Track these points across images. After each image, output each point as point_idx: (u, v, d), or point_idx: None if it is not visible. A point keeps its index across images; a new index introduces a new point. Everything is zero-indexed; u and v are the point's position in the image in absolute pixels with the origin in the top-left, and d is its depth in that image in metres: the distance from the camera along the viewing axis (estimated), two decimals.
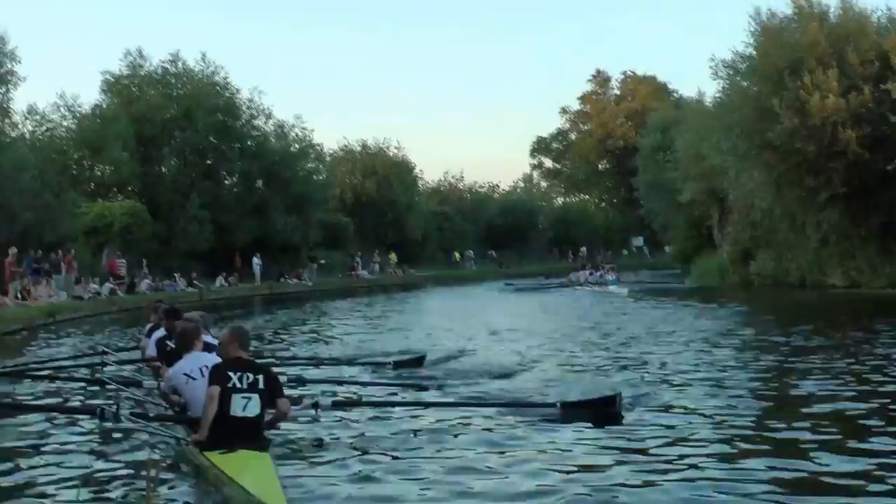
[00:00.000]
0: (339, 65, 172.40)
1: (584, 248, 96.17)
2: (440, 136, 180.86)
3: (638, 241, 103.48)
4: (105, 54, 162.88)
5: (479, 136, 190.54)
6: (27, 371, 16.26)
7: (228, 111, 63.90)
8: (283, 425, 10.13)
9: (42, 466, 9.44)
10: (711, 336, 21.92)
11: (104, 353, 17.81)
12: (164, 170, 61.07)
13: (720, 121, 43.64)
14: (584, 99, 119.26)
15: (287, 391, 10.51)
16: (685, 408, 11.84)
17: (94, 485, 8.61)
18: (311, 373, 16.27)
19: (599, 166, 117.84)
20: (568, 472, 8.67)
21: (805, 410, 11.65)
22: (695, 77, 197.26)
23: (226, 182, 65.32)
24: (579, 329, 25.83)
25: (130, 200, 55.79)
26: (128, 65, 62.59)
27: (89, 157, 57.11)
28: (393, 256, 74.73)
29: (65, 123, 57.81)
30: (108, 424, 10.05)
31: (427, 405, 12.43)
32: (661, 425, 10.67)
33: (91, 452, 10.10)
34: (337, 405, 11.58)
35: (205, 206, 58.39)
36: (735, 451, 9.41)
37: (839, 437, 10.08)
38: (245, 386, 8.76)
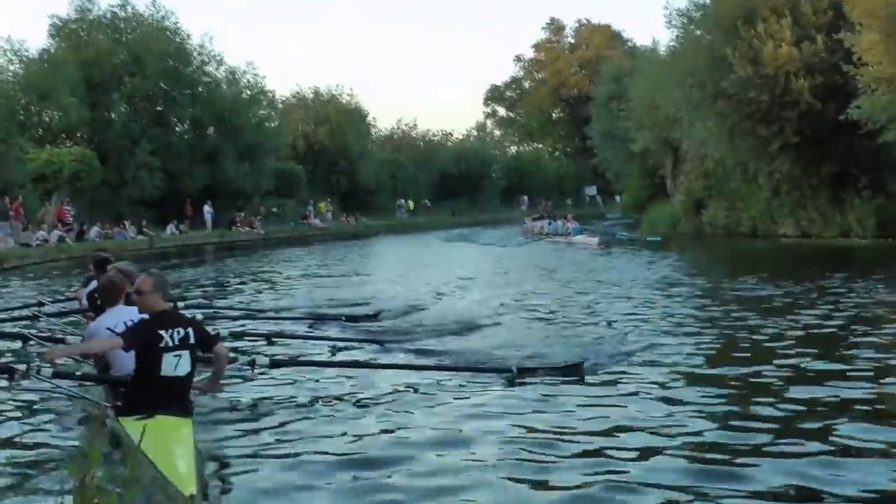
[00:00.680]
0: (290, 12, 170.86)
1: (525, 198, 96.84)
2: (393, 84, 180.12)
3: (591, 190, 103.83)
4: None
5: (432, 84, 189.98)
6: None
7: (179, 57, 62.84)
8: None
9: None
10: (689, 286, 21.83)
11: (40, 304, 16.62)
12: (113, 116, 59.99)
13: (674, 70, 43.64)
14: (538, 47, 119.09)
15: None
16: (663, 366, 11.33)
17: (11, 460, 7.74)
18: (252, 327, 15.45)
19: (553, 115, 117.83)
20: (522, 437, 8.11)
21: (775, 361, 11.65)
22: (649, 26, 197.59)
23: (176, 129, 64.42)
24: (544, 282, 25.29)
25: (79, 147, 55.01)
26: (76, 9, 61.49)
27: (37, 102, 56.04)
28: (322, 206, 72.51)
29: (11, 68, 56.63)
30: (27, 383, 9.02)
31: (375, 367, 11.42)
32: (627, 392, 9.97)
33: (7, 419, 9.29)
34: (276, 364, 10.72)
35: (155, 153, 57.59)
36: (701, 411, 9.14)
37: (798, 383, 10.21)
38: (176, 343, 7.93)
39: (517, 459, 7.43)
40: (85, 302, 13.17)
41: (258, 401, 9.90)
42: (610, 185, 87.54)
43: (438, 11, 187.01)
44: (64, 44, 60.09)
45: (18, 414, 9.50)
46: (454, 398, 9.90)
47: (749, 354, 12.23)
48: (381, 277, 28.41)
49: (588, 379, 10.56)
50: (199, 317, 14.24)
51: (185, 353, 7.96)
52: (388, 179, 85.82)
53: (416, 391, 10.25)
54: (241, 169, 63.69)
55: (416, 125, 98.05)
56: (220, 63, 66.41)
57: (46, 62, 56.94)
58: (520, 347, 12.92)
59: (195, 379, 8.34)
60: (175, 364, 7.87)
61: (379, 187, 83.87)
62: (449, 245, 48.98)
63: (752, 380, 10.51)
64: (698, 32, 42.09)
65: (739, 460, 7.30)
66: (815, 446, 7.68)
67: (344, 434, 8.39)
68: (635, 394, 9.85)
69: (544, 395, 9.80)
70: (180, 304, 14.95)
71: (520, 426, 8.48)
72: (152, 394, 7.69)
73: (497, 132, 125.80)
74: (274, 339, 13.91)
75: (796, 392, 9.72)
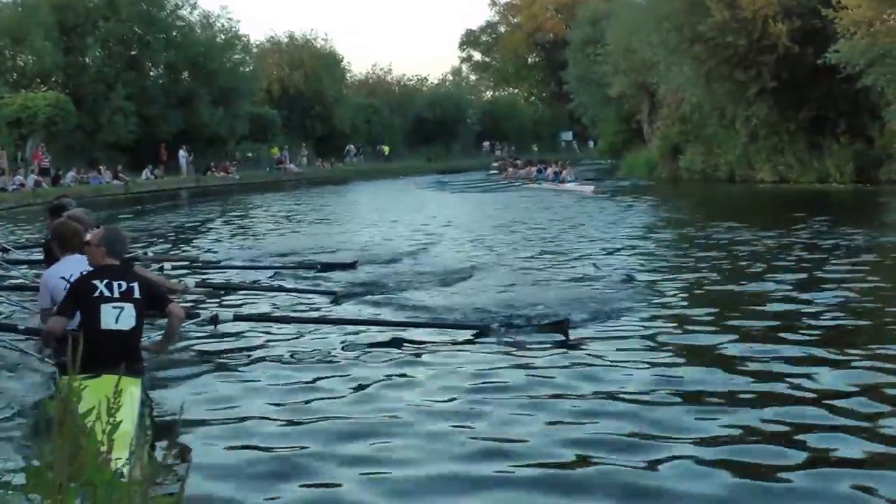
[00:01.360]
0: None
1: (486, 143, 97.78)
2: (368, 29, 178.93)
3: (567, 135, 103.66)
4: None
5: (407, 28, 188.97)
6: None
7: (152, 1, 62.34)
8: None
9: None
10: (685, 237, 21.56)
11: (4, 250, 15.73)
12: (87, 60, 59.45)
13: (651, 14, 43.55)
14: None
15: (183, 304, 9.67)
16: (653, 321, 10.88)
17: None
18: (218, 278, 14.78)
19: (529, 60, 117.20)
20: (500, 398, 7.65)
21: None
22: None
23: (151, 73, 64.10)
24: (528, 229, 24.39)
25: (54, 91, 54.53)
26: None
27: (11, 46, 55.59)
28: (275, 150, 70.06)
29: None
30: None
31: (348, 323, 10.55)
32: (615, 348, 9.45)
33: None
34: (241, 319, 10.15)
35: (130, 98, 57.29)
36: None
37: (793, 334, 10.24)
38: (116, 294, 7.33)
39: (496, 423, 7.01)
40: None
41: (218, 358, 9.30)
42: (586, 131, 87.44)
43: None
44: None
45: None
46: (429, 356, 9.30)
47: (737, 300, 12.33)
48: (356, 226, 27.45)
49: (573, 335, 9.90)
50: (168, 267, 14.16)
51: (129, 307, 7.33)
52: (363, 124, 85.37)
53: (390, 347, 9.61)
54: (215, 114, 63.44)
55: (391, 70, 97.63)
56: (193, 7, 66.17)
57: (20, 6, 56.45)
58: (502, 302, 12.05)
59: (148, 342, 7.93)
60: (116, 316, 7.26)
61: (354, 132, 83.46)
62: (426, 191, 48.26)
63: (741, 327, 10.49)
64: None
65: (728, 405, 7.36)
66: (802, 386, 7.79)
67: (315, 395, 7.87)
68: (622, 351, 9.39)
69: (525, 353, 9.20)
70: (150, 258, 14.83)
71: (498, 385, 8.09)
72: (94, 349, 6.39)
73: (472, 77, 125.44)
74: (240, 292, 13.26)
75: (786, 337, 9.80)
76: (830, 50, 33.87)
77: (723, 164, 44.10)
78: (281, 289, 13.59)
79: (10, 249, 16.12)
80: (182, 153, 58.29)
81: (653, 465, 6.02)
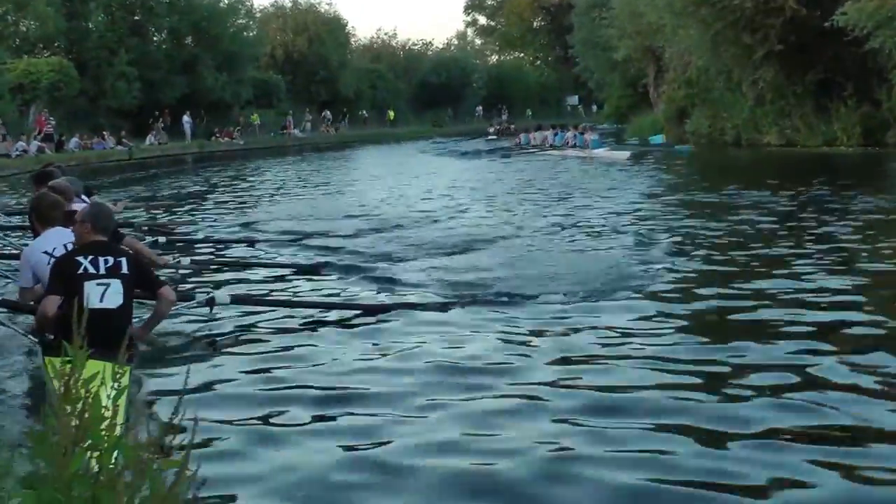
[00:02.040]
0: None
1: (479, 108, 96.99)
2: None
3: (573, 100, 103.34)
4: None
5: None
6: None
7: None
8: (169, 326, 8.48)
9: None
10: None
11: None
12: (90, 25, 59.22)
13: None
14: None
15: (181, 286, 9.28)
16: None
17: None
18: (215, 255, 14.17)
19: (534, 24, 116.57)
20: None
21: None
22: None
23: (154, 38, 63.87)
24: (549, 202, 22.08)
25: (57, 57, 54.28)
26: None
27: (13, 11, 55.25)
28: (255, 117, 67.88)
29: None
30: None
31: (355, 308, 9.94)
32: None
33: None
34: (239, 301, 9.57)
35: (133, 63, 57.03)
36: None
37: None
38: (102, 271, 6.93)
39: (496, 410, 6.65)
40: None
41: (214, 343, 8.69)
42: (592, 95, 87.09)
43: None
44: None
45: None
46: (436, 338, 8.73)
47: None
48: (361, 199, 24.25)
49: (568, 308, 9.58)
50: (163, 240, 13.75)
51: (115, 283, 6.93)
52: (367, 89, 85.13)
53: (400, 328, 9.13)
54: (219, 79, 63.23)
55: (395, 34, 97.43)
56: None
57: None
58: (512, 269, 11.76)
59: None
60: (101, 294, 6.83)
61: (359, 97, 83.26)
62: (434, 158, 46.32)
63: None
64: None
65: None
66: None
67: (317, 387, 7.29)
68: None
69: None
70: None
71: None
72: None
73: (478, 41, 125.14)
74: (240, 270, 12.59)
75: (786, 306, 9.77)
76: (838, 12, 33.55)
77: (729, 128, 43.81)
78: (280, 265, 12.92)
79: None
80: (186, 118, 58.17)
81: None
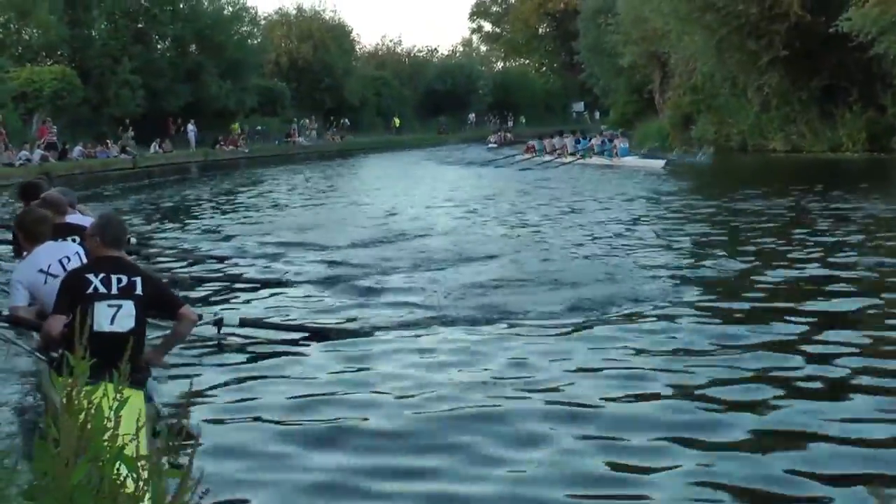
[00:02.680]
0: None
1: (472, 115, 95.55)
2: (378, 0, 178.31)
3: (578, 106, 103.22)
4: None
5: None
6: None
7: None
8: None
9: None
10: None
11: None
12: (93, 33, 59.17)
13: None
14: None
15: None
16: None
17: None
18: (220, 272, 13.59)
19: (539, 30, 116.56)
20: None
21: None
22: None
23: (158, 46, 63.71)
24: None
25: (60, 65, 54.23)
26: None
27: (16, 20, 55.25)
28: (236, 126, 64.21)
29: None
30: None
31: (365, 336, 9.42)
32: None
33: None
34: (248, 324, 9.17)
35: (136, 71, 56.88)
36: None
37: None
38: (114, 291, 6.45)
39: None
40: None
41: (219, 364, 8.37)
42: (598, 101, 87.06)
43: None
44: None
45: None
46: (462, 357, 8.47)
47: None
48: (367, 211, 23.50)
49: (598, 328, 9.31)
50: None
51: (128, 304, 6.44)
52: (373, 97, 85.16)
53: (418, 348, 8.80)
54: (223, 86, 63.08)
55: (400, 41, 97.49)
56: None
57: None
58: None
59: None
60: (112, 316, 6.35)
61: (364, 104, 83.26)
62: (442, 167, 44.66)
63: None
64: None
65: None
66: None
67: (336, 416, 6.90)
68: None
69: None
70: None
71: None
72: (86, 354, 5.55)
73: (483, 48, 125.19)
74: (248, 288, 12.03)
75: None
76: (842, 18, 33.61)
77: (735, 134, 43.91)
78: (289, 284, 12.28)
79: None
80: (190, 126, 58.12)
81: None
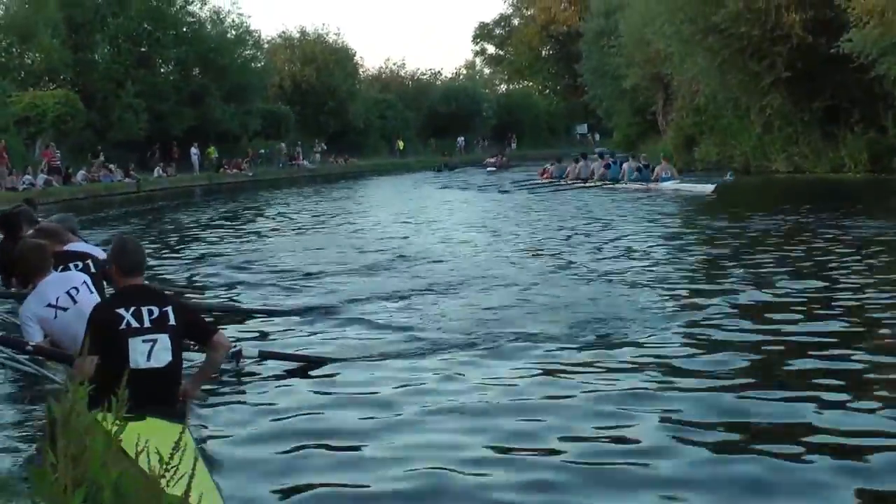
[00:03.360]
0: None
1: (461, 139, 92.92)
2: (381, 23, 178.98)
3: (582, 128, 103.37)
4: None
5: (420, 22, 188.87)
6: None
7: None
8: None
9: None
10: None
11: None
12: (97, 57, 59.38)
13: (664, 4, 43.22)
14: None
15: None
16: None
17: None
18: (241, 301, 13.01)
19: (542, 52, 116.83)
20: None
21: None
22: None
23: (161, 70, 63.85)
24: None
25: (63, 89, 54.34)
26: None
27: (18, 44, 55.39)
28: (212, 150, 61.80)
29: None
30: None
31: (378, 358, 9.19)
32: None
33: None
34: (269, 356, 8.85)
35: (140, 95, 56.98)
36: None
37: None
38: (147, 324, 6.10)
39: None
40: None
41: (239, 396, 8.07)
42: (601, 123, 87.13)
43: None
44: None
45: None
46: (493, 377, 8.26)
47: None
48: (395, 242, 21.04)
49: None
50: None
51: (163, 338, 6.13)
52: (377, 119, 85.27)
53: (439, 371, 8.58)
54: (227, 110, 63.26)
55: (404, 64, 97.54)
56: (203, 2, 65.84)
57: (27, 3, 56.03)
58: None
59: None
60: (147, 352, 6.05)
61: (368, 127, 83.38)
62: (447, 192, 41.51)
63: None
64: None
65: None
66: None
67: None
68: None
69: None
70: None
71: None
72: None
73: (486, 70, 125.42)
74: (266, 319, 11.51)
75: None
76: (843, 39, 33.66)
77: (738, 155, 43.94)
78: (297, 312, 11.81)
79: None
80: (194, 150, 58.26)
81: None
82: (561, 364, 8.73)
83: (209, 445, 6.55)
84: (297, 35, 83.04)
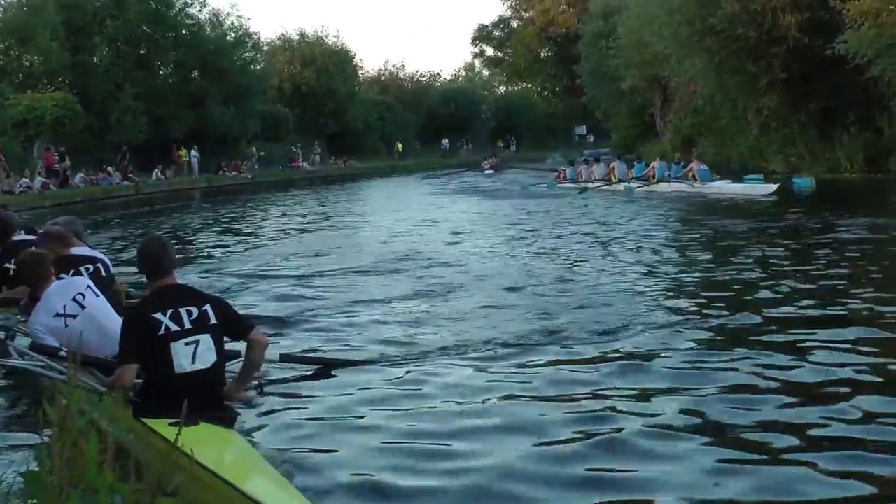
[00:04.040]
0: None
1: (445, 141, 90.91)
2: (380, 25, 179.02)
3: (581, 129, 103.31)
4: None
5: (420, 24, 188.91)
6: None
7: None
8: None
9: None
10: None
11: None
12: (95, 60, 59.30)
13: (662, 6, 43.25)
14: None
15: None
16: None
17: None
18: (246, 306, 12.34)
19: (541, 54, 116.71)
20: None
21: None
22: None
23: (160, 72, 63.98)
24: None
25: (61, 92, 54.34)
26: None
27: (16, 46, 55.40)
28: (184, 153, 59.58)
29: None
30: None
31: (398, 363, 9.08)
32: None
33: None
34: (289, 360, 8.65)
35: (139, 98, 57.00)
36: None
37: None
38: (188, 325, 5.95)
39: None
40: None
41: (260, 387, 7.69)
42: (599, 124, 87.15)
43: None
44: None
45: None
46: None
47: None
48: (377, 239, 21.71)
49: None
50: None
51: (205, 338, 5.98)
52: (376, 122, 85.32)
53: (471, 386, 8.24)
54: (227, 112, 63.26)
55: (403, 66, 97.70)
56: (202, 5, 66.06)
57: (25, 5, 56.05)
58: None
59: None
60: (191, 355, 5.90)
61: (367, 129, 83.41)
62: (452, 196, 39.63)
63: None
64: None
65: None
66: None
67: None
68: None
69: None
70: None
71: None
72: (170, 397, 5.36)
73: (485, 72, 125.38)
74: (270, 322, 10.86)
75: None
76: (838, 40, 33.64)
77: (735, 156, 44.03)
78: (308, 316, 11.67)
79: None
80: (193, 152, 58.25)
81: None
82: (583, 363, 8.73)
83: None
84: (297, 37, 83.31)
